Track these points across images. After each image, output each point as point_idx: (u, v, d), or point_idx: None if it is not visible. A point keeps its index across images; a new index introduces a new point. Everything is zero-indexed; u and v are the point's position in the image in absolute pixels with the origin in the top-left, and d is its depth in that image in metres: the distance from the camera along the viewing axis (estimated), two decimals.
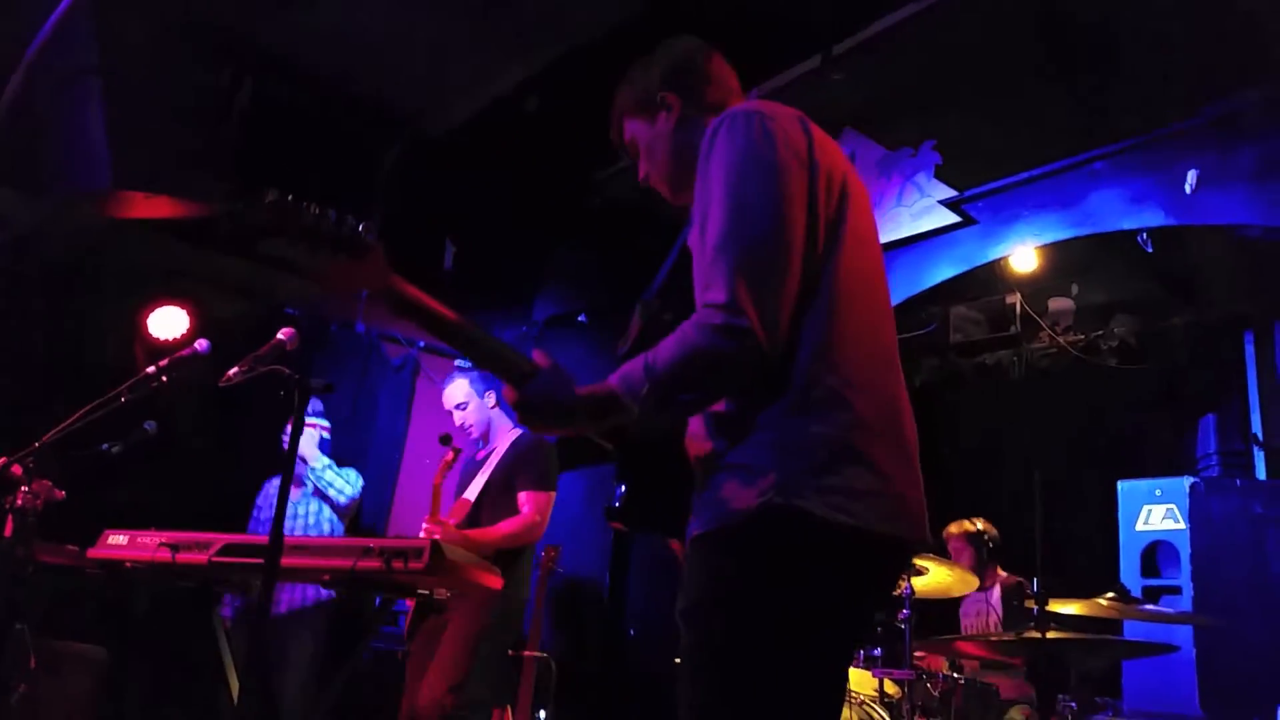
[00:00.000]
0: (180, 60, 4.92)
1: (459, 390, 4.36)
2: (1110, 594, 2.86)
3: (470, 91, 5.75)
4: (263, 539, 2.69)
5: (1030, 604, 2.61)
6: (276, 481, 4.96)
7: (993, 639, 3.05)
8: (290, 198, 1.54)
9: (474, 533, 3.88)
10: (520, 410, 1.63)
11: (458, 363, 6.94)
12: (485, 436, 4.36)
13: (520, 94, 5.75)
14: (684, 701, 1.53)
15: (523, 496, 4.02)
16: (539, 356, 1.67)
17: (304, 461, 4.81)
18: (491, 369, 1.66)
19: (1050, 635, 2.39)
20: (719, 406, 1.61)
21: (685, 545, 1.63)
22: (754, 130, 1.62)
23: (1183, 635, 4.21)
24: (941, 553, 4.99)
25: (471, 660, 3.74)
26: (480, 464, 4.27)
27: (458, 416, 4.33)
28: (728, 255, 1.53)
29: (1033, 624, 2.49)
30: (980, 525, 5.14)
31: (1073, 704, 3.64)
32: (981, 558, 5.09)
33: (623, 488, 1.72)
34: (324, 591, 4.74)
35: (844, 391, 1.55)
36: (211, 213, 4.96)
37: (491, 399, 4.37)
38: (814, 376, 1.56)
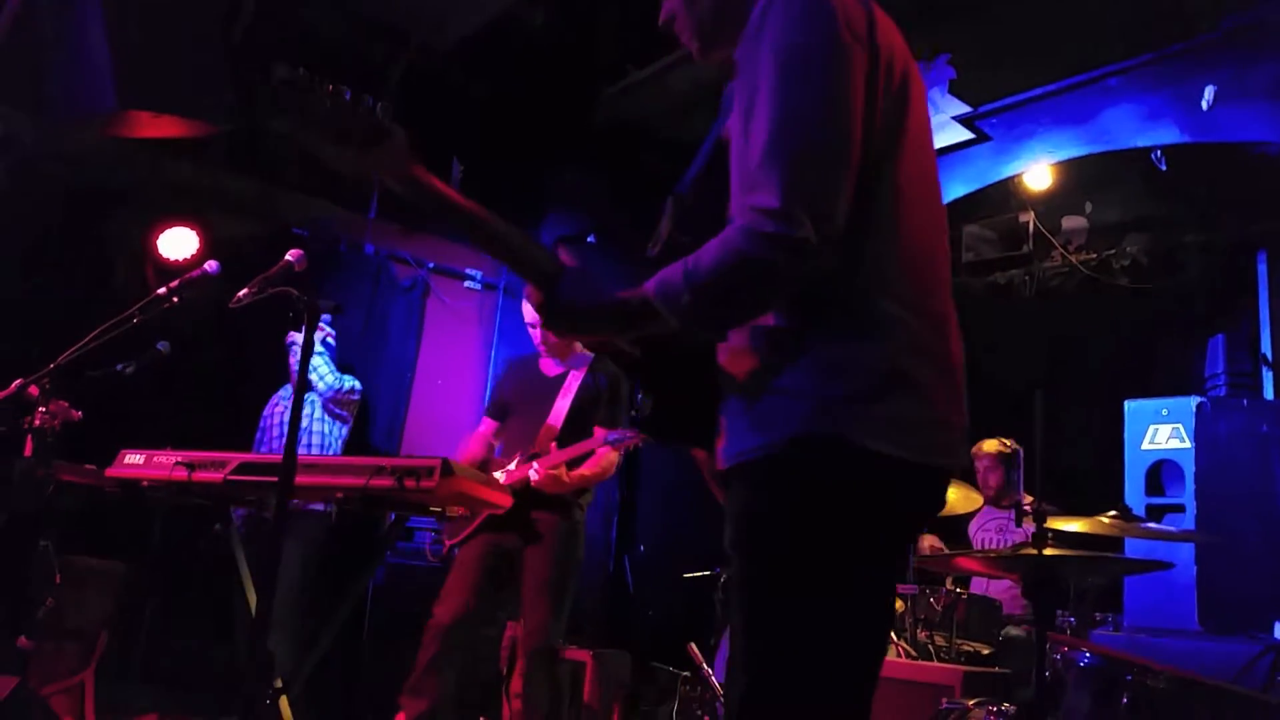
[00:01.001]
0: None
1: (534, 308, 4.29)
2: (1112, 512, 2.89)
3: (475, 6, 5.66)
4: (277, 458, 2.74)
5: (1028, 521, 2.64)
6: (282, 394, 5.02)
7: (990, 555, 3.10)
8: (302, 72, 1.45)
9: (573, 476, 3.87)
10: (545, 314, 1.55)
11: (466, 284, 6.98)
12: (563, 353, 4.20)
13: (526, 7, 5.67)
14: (735, 629, 1.48)
15: (600, 434, 3.94)
16: (565, 255, 1.58)
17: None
18: (514, 267, 1.58)
19: (1045, 552, 2.43)
20: (760, 320, 1.49)
21: (715, 462, 1.56)
22: (813, 10, 1.45)
23: (1184, 552, 4.26)
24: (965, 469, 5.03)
25: (560, 597, 3.84)
26: (554, 383, 4.14)
27: (535, 334, 4.21)
28: (781, 156, 1.38)
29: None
30: (1012, 445, 5.16)
31: (1071, 619, 3.71)
32: (1011, 479, 5.12)
33: (646, 397, 1.61)
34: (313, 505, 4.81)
35: (895, 311, 1.45)
36: (216, 126, 4.92)
37: None
38: (865, 294, 1.45)
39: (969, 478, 5.12)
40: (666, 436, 1.66)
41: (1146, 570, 3.35)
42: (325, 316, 4.81)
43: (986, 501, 5.15)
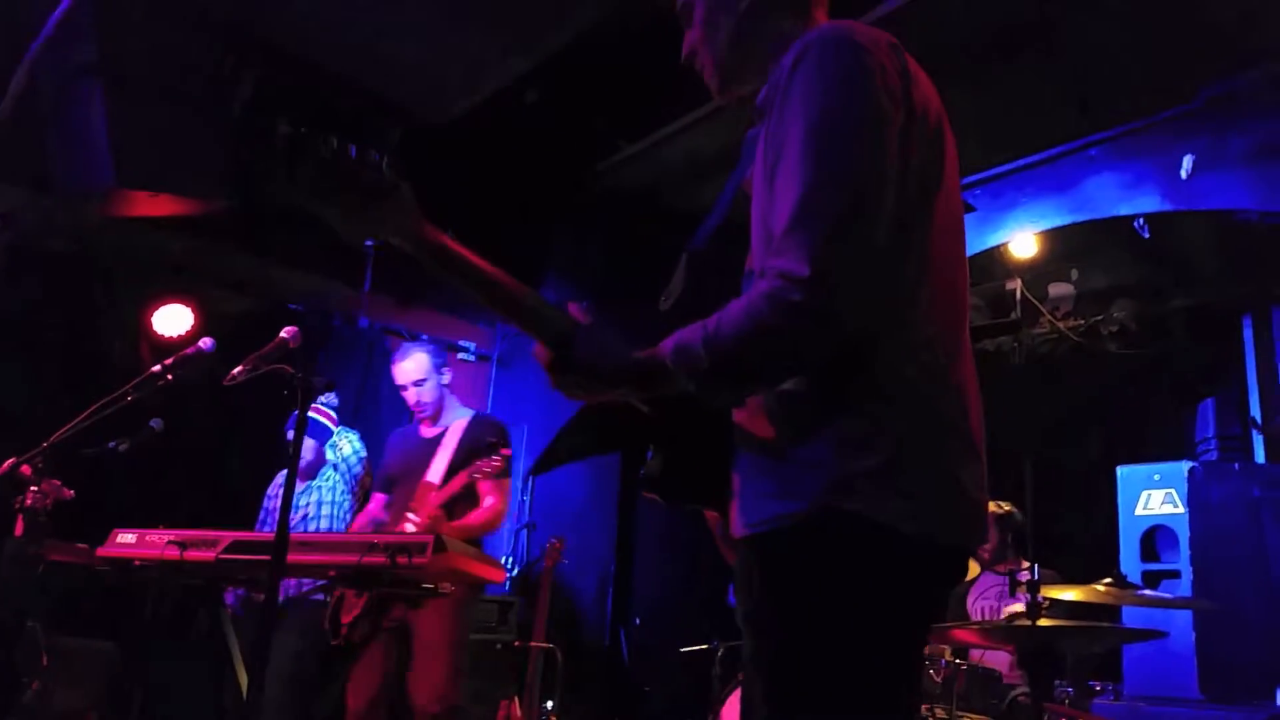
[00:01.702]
0: (180, 53, 4.94)
1: (418, 366, 4.14)
2: (1107, 580, 2.89)
3: (470, 83, 5.77)
4: (269, 536, 2.73)
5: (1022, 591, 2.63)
6: (281, 477, 5.01)
7: (985, 626, 3.08)
8: (304, 130, 1.41)
9: (456, 526, 3.75)
10: (557, 372, 1.49)
11: (460, 355, 7.00)
12: (437, 414, 4.20)
13: (521, 85, 5.77)
14: (755, 699, 1.44)
15: (485, 485, 3.91)
16: (575, 311, 1.53)
17: (319, 455, 4.82)
18: (525, 326, 1.51)
19: (1040, 623, 2.42)
20: (779, 386, 1.44)
21: (728, 525, 1.51)
22: (849, 66, 1.39)
23: (1182, 619, 4.24)
24: None
25: (464, 652, 3.72)
26: (431, 443, 4.10)
27: (413, 393, 4.15)
28: (811, 222, 1.32)
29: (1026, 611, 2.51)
30: (1008, 508, 5.15)
31: (1069, 689, 3.68)
32: (1006, 541, 5.11)
33: (656, 456, 1.54)
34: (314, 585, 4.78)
35: (919, 383, 1.41)
36: (212, 204, 4.98)
37: (448, 375, 4.23)
38: (888, 364, 1.39)
39: None
40: (676, 497, 1.58)
41: (1143, 639, 3.34)
42: (331, 400, 4.83)
43: (983, 566, 5.13)
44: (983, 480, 1.48)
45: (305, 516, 4.64)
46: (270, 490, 5.00)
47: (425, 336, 6.77)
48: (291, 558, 2.57)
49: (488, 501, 3.90)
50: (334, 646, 3.94)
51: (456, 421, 4.12)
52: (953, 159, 1.54)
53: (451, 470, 3.94)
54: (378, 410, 6.58)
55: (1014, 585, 2.73)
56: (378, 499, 4.24)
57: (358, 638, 3.82)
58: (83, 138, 4.76)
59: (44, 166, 4.84)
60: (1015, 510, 5.13)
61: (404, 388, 4.18)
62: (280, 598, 4.47)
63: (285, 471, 4.90)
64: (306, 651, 4.54)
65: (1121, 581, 2.91)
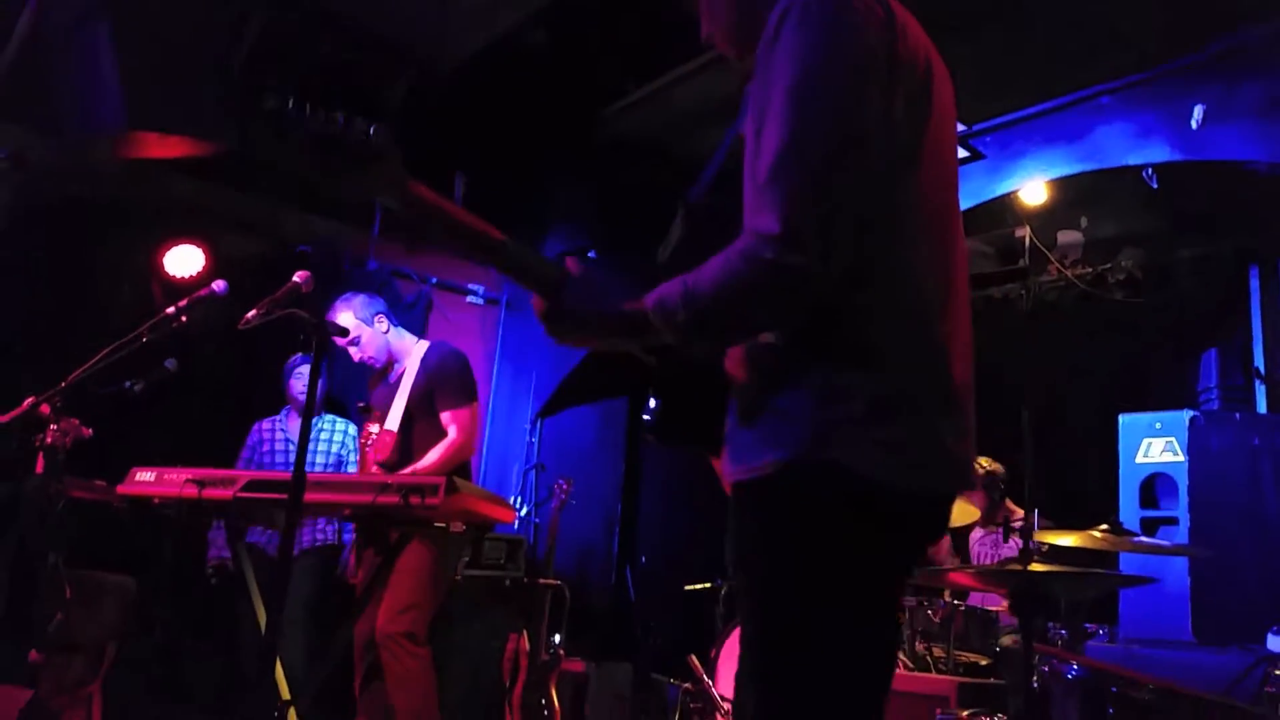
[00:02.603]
0: None
1: (347, 324, 4.00)
2: (1103, 526, 2.95)
3: (478, 25, 5.74)
4: (286, 475, 2.80)
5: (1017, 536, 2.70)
6: (266, 425, 5.05)
7: (980, 570, 3.16)
8: (291, 103, 1.43)
9: (403, 475, 3.64)
10: (549, 321, 1.54)
11: (469, 299, 7.04)
12: (392, 360, 4.12)
13: (528, 28, 5.74)
14: (743, 641, 1.49)
15: (445, 417, 3.88)
16: (572, 264, 1.55)
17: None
18: (518, 278, 1.55)
19: (1031, 568, 2.49)
20: (761, 337, 1.47)
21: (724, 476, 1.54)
22: (829, 23, 1.40)
23: (1178, 564, 4.32)
24: None
25: (424, 585, 3.71)
26: (395, 387, 4.05)
27: (354, 353, 4.09)
28: (785, 178, 1.35)
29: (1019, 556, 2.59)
30: (988, 465, 5.22)
31: (1063, 631, 3.76)
32: (993, 498, 5.20)
33: (656, 401, 1.58)
34: (328, 536, 4.89)
35: (899, 335, 1.43)
36: (221, 146, 4.99)
37: (383, 322, 4.10)
38: (867, 317, 1.42)
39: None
40: (675, 440, 1.63)
41: (1133, 584, 3.41)
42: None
43: (979, 521, 5.23)
44: (966, 431, 1.50)
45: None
46: (257, 428, 5.03)
47: (434, 279, 6.80)
48: (308, 497, 2.64)
49: (450, 435, 3.85)
50: (351, 586, 4.04)
51: (411, 361, 4.06)
52: (945, 108, 1.55)
53: (408, 411, 3.91)
54: None
55: (1008, 530, 2.80)
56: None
57: (362, 573, 3.90)
58: (92, 79, 4.77)
59: (53, 108, 4.85)
60: (999, 469, 5.22)
61: (345, 349, 4.10)
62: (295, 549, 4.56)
63: (263, 423, 5.02)
64: (319, 596, 4.67)
65: (1117, 528, 2.97)
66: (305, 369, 4.87)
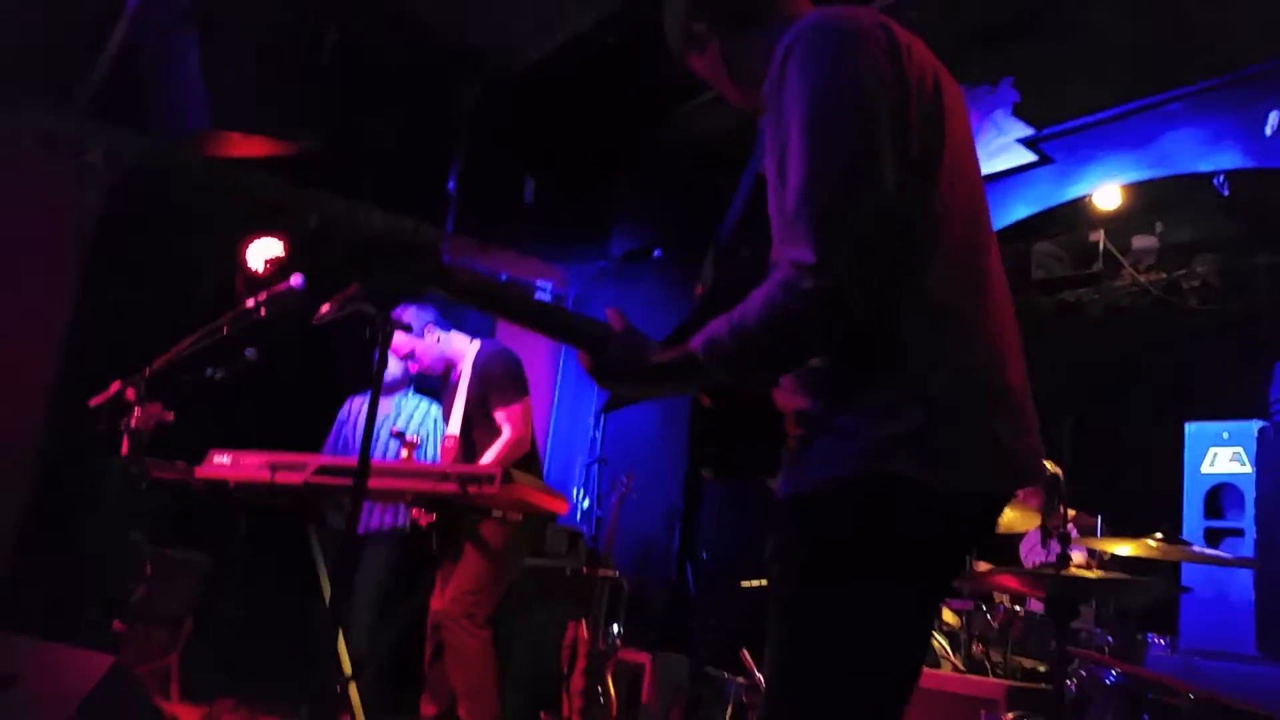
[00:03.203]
0: (270, 2, 5.14)
1: (400, 341, 4.18)
2: (1157, 534, 2.94)
3: (550, 27, 5.85)
4: (353, 461, 2.92)
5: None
6: (358, 400, 5.24)
7: (1017, 573, 3.18)
8: (338, 216, 1.55)
9: (462, 466, 3.74)
10: (598, 378, 1.60)
11: (537, 295, 7.18)
12: (448, 364, 4.24)
13: (600, 29, 5.83)
14: (772, 641, 1.54)
15: (499, 416, 3.97)
16: (613, 317, 1.62)
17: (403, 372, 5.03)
18: (561, 337, 1.64)
19: (1066, 573, 2.51)
20: (809, 363, 1.53)
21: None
22: (835, 54, 1.47)
23: (1242, 577, 4.24)
24: None
25: (488, 570, 3.82)
26: (452, 390, 4.19)
27: (411, 366, 4.26)
28: (813, 210, 1.41)
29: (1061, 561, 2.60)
30: (1051, 468, 5.17)
31: (1109, 638, 3.74)
32: (1052, 501, 5.13)
33: (711, 441, 1.66)
34: (399, 520, 5.02)
35: (943, 345, 1.49)
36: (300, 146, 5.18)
37: (433, 331, 4.20)
38: (910, 332, 1.48)
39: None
40: (728, 473, 1.73)
41: (1164, 594, 3.37)
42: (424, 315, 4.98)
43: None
44: (1025, 428, 1.54)
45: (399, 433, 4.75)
46: (341, 415, 5.22)
47: (504, 275, 6.95)
48: (372, 483, 2.77)
49: (505, 434, 3.95)
50: (419, 564, 4.14)
51: (466, 363, 4.17)
52: (959, 123, 1.61)
53: (467, 414, 4.05)
54: None
55: (1045, 534, 2.81)
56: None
57: (435, 548, 4.03)
58: (180, 83, 4.99)
59: (145, 110, 5.09)
60: (1057, 470, 5.15)
61: (404, 364, 4.28)
62: (362, 529, 4.69)
63: (355, 399, 5.18)
64: (390, 578, 4.82)
65: (1171, 537, 2.96)
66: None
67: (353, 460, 2.94)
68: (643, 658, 5.23)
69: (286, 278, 3.79)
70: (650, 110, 6.34)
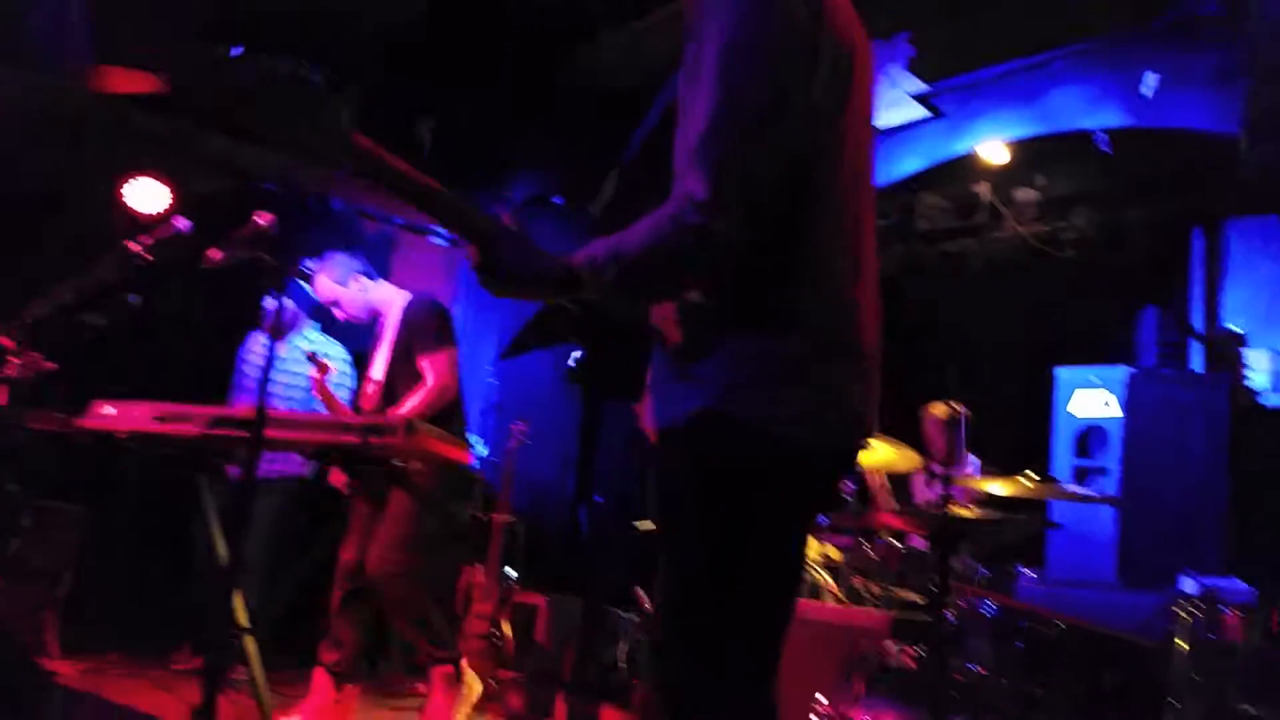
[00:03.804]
0: None
1: (326, 289, 4.16)
2: (1028, 472, 3.12)
3: None
4: (250, 412, 2.87)
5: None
6: (257, 336, 5.09)
7: (902, 511, 3.34)
8: (241, 50, 1.50)
9: (367, 416, 3.79)
10: (481, 273, 1.61)
11: (432, 239, 7.07)
12: (375, 314, 4.21)
13: None
14: (659, 569, 1.60)
15: (424, 363, 3.95)
16: (505, 217, 1.65)
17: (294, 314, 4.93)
18: (455, 229, 1.63)
19: (952, 511, 2.66)
20: (689, 295, 1.57)
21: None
22: (755, 3, 1.49)
23: (1105, 512, 4.53)
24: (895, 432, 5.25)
25: (415, 528, 3.79)
26: (380, 338, 4.17)
27: (337, 314, 4.22)
28: (714, 148, 1.44)
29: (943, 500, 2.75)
30: (959, 409, 5.37)
31: (985, 571, 3.97)
32: (955, 442, 5.34)
33: (581, 352, 1.73)
34: (290, 468, 4.96)
35: (810, 301, 1.54)
36: (180, 85, 4.98)
37: (359, 280, 4.18)
38: (781, 286, 1.52)
39: (908, 438, 5.35)
40: (595, 388, 1.77)
41: (1036, 529, 3.60)
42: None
43: (936, 460, 5.39)
44: (868, 389, 1.61)
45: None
46: (242, 353, 5.11)
47: (398, 219, 6.82)
48: (269, 434, 2.74)
49: (428, 381, 3.92)
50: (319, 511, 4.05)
51: (394, 312, 4.15)
52: (866, 90, 1.65)
53: (393, 361, 4.01)
54: None
55: (930, 475, 2.95)
56: None
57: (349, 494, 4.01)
58: (61, 15, 4.74)
59: (22, 42, 4.81)
60: (962, 411, 5.35)
61: (330, 310, 4.24)
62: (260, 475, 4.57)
63: (254, 334, 5.06)
64: (281, 527, 4.76)
65: (1040, 475, 3.14)
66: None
67: (250, 410, 2.89)
68: (538, 599, 5.31)
69: (169, 219, 3.66)
70: (551, 53, 6.26)
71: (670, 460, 1.60)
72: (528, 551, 5.48)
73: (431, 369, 3.94)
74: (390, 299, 4.18)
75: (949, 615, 2.66)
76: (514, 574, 5.27)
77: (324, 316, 4.84)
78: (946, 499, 2.68)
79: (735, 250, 1.45)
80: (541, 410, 6.29)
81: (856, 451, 1.67)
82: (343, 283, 4.13)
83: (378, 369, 4.06)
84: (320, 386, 4.15)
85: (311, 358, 4.20)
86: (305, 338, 5.00)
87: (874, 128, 1.74)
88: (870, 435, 1.66)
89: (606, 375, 1.73)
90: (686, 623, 1.57)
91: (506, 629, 5.09)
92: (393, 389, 4.00)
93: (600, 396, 1.78)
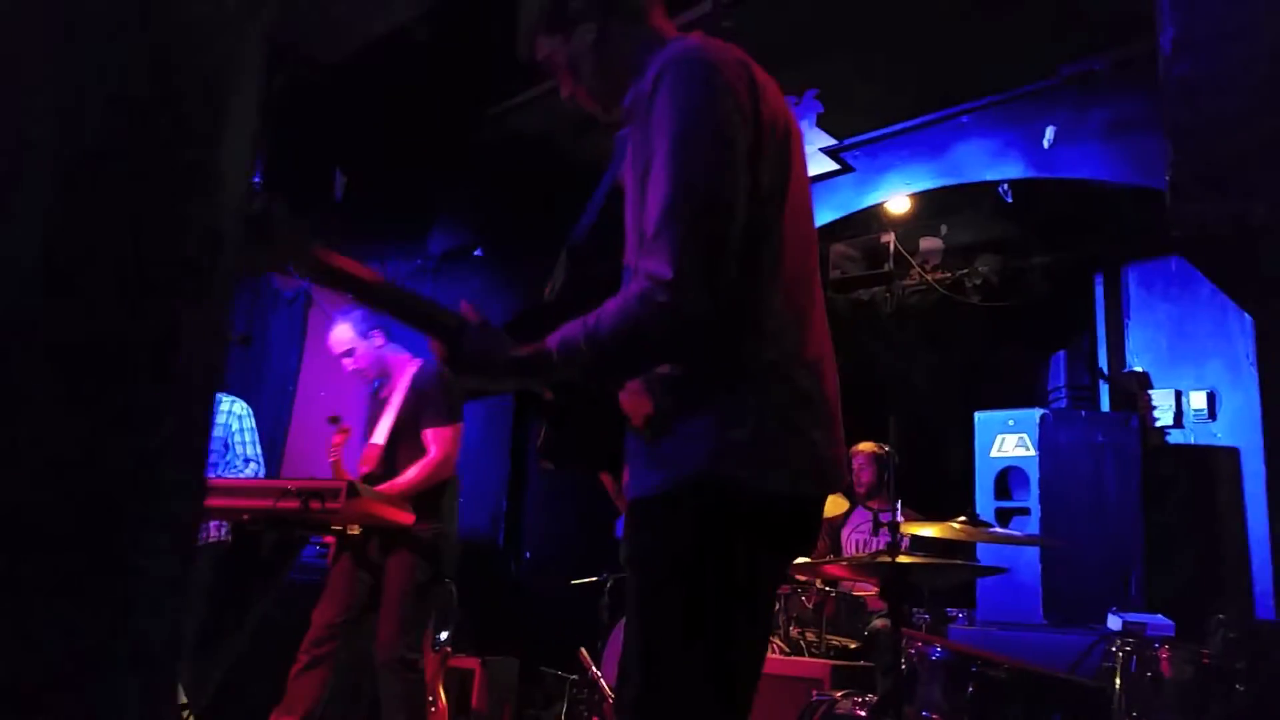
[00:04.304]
0: None
1: (344, 337, 4.18)
2: (961, 518, 3.20)
3: (362, 21, 5.70)
4: None
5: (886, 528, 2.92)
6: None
7: (852, 561, 3.40)
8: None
9: (384, 488, 3.82)
10: (452, 368, 1.66)
11: (343, 309, 6.99)
12: (384, 374, 4.23)
13: (413, 25, 5.73)
14: (629, 637, 1.63)
15: (429, 435, 3.99)
16: (467, 310, 1.68)
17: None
18: (419, 328, 1.66)
19: (900, 559, 2.72)
20: (659, 369, 1.64)
21: (620, 491, 1.71)
22: (701, 88, 1.57)
23: (1029, 553, 4.67)
24: None
25: (413, 609, 3.78)
26: (384, 403, 4.19)
27: (347, 364, 4.22)
28: (674, 228, 1.52)
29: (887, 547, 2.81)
30: (885, 449, 5.50)
31: (926, 616, 4.04)
32: (882, 478, 5.46)
33: (547, 427, 1.71)
34: (211, 535, 4.81)
35: (776, 360, 1.61)
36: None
37: (379, 337, 4.22)
38: (752, 348, 1.60)
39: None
40: (566, 463, 1.81)
41: (989, 574, 3.70)
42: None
43: (859, 500, 5.50)
44: (836, 438, 1.70)
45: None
46: None
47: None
48: (209, 501, 2.67)
49: (430, 453, 3.94)
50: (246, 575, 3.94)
51: (404, 378, 4.16)
52: (800, 157, 1.75)
53: (397, 427, 4.00)
54: (267, 350, 6.56)
55: (877, 525, 3.01)
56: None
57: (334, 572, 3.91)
58: None
59: None
60: (891, 451, 5.48)
61: (340, 360, 4.23)
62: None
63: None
64: (217, 588, 4.58)
65: (974, 519, 3.22)
66: None
67: None
68: (472, 662, 5.22)
69: None
70: (469, 108, 6.29)
71: (650, 525, 1.63)
72: (461, 611, 5.39)
73: (435, 442, 3.95)
74: (402, 364, 4.18)
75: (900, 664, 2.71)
76: (446, 637, 5.17)
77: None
78: (895, 547, 2.74)
79: (703, 324, 1.53)
80: (469, 466, 6.23)
81: (830, 492, 1.73)
82: (363, 335, 4.15)
83: (380, 433, 4.04)
84: (335, 450, 4.06)
85: (333, 420, 4.16)
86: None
87: (811, 199, 1.83)
88: (841, 482, 1.73)
89: (576, 452, 1.76)
90: (664, 681, 1.59)
91: (441, 696, 4.99)
92: (393, 454, 3.98)
93: (573, 469, 1.81)
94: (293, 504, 2.80)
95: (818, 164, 5.47)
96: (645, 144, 1.60)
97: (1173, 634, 3.65)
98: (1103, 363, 5.78)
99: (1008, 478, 4.94)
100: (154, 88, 0.86)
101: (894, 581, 2.69)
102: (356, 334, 4.16)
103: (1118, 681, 2.77)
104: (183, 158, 0.88)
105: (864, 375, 6.50)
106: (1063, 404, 5.92)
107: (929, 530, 3.28)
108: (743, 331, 1.60)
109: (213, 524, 4.68)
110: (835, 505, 5.25)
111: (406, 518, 3.15)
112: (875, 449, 5.47)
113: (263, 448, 6.31)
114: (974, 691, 2.47)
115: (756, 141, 1.61)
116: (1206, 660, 2.72)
